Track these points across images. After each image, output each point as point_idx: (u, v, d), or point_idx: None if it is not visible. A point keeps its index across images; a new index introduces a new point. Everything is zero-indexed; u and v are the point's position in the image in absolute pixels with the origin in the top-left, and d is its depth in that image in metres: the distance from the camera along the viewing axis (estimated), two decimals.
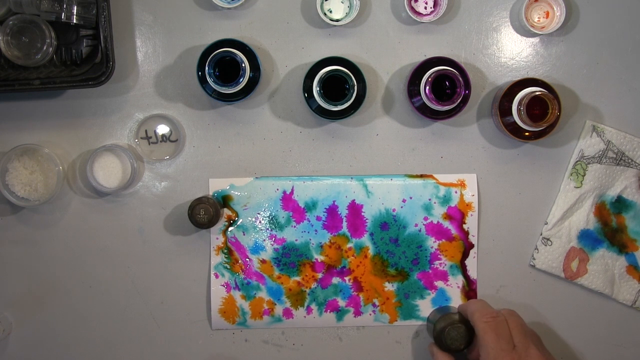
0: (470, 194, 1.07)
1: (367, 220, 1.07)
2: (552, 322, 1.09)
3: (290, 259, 1.07)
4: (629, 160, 1.05)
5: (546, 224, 1.07)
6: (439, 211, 1.07)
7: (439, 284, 1.08)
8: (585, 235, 1.07)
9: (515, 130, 1.02)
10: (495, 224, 1.08)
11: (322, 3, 1.04)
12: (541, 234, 1.08)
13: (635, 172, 1.06)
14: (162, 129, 1.06)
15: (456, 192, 1.07)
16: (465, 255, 1.07)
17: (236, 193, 1.07)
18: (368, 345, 1.08)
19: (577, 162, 1.06)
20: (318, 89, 0.98)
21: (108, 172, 1.04)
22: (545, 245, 1.07)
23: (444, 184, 1.07)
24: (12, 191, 1.03)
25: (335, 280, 1.07)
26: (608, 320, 1.09)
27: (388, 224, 1.07)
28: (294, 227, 1.07)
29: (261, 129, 1.07)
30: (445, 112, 1.02)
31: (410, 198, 1.07)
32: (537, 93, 0.98)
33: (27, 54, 0.99)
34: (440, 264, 1.07)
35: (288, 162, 1.07)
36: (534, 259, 1.08)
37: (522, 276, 1.09)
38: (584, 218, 1.07)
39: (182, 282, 1.07)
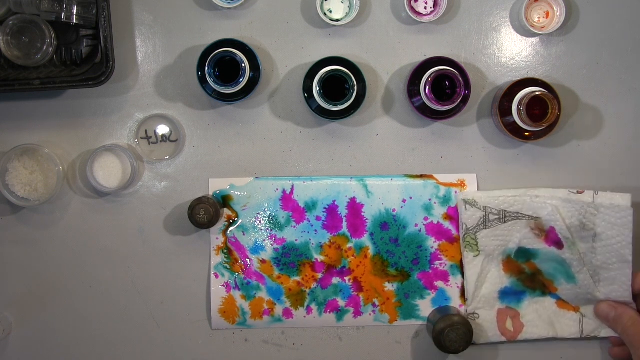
0: None
1: (367, 220, 1.07)
2: None
3: (290, 259, 1.07)
4: (515, 214, 1.03)
5: (466, 300, 1.06)
6: (439, 211, 1.07)
7: (439, 284, 1.07)
8: (505, 294, 1.05)
9: (515, 130, 1.02)
10: None
11: (322, 3, 1.04)
12: (466, 312, 1.06)
13: (524, 223, 1.03)
14: (162, 129, 1.06)
15: (456, 192, 1.07)
16: None
17: (236, 193, 1.06)
18: (368, 345, 1.08)
19: (465, 235, 1.04)
20: (318, 89, 0.98)
21: (108, 172, 1.04)
22: (475, 321, 1.05)
23: (444, 184, 1.07)
24: (12, 191, 1.03)
25: (335, 280, 1.07)
26: None
27: (388, 224, 1.07)
28: (294, 227, 1.07)
29: (261, 129, 1.07)
30: (445, 112, 1.02)
31: (411, 198, 1.07)
32: (537, 93, 0.98)
33: (27, 54, 0.99)
34: (441, 264, 1.07)
35: (288, 162, 1.07)
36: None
37: None
38: (497, 279, 1.05)
39: (182, 282, 1.07)
